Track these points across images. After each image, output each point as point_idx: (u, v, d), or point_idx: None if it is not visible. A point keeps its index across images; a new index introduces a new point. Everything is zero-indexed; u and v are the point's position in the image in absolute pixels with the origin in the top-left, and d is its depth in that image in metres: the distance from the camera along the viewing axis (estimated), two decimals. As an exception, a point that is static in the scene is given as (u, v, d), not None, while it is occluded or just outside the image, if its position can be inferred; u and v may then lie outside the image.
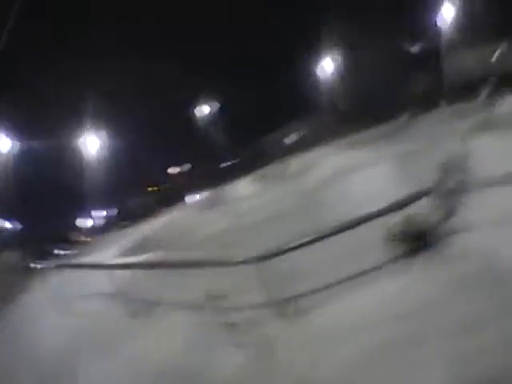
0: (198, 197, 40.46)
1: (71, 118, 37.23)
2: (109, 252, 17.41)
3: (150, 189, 64.70)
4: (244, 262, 8.36)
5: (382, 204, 9.98)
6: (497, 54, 38.57)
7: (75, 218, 52.12)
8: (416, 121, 36.08)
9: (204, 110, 50.13)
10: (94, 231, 48.77)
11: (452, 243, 8.58)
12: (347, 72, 47.05)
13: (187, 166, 62.83)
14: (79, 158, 38.99)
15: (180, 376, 7.50)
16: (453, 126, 27.07)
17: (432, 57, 48.56)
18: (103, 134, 39.38)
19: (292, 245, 9.12)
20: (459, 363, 5.91)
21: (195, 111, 49.86)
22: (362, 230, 9.80)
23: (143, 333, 9.13)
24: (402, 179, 16.18)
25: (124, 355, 8.45)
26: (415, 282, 7.83)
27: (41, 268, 11.95)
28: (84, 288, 11.78)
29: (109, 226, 42.86)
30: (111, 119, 39.31)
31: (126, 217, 47.65)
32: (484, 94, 29.63)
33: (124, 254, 16.34)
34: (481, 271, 7.28)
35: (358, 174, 19.75)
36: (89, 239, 47.29)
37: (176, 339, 8.59)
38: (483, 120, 23.81)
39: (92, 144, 38.69)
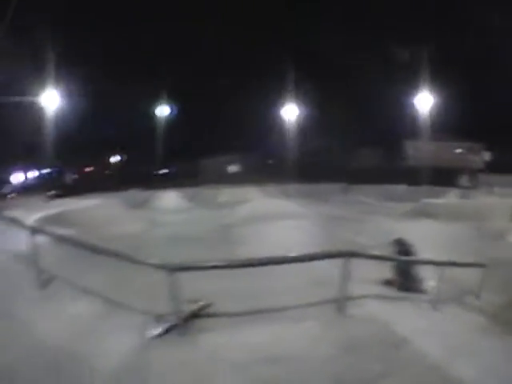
0: (129, 192, 40.03)
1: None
2: (31, 215, 16.85)
3: (87, 169, 64.44)
4: (158, 266, 8.11)
5: (295, 252, 10.21)
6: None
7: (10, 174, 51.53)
8: (352, 190, 37.36)
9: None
10: (23, 191, 47.89)
11: (356, 306, 8.74)
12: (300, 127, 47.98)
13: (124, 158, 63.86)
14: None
15: (62, 358, 7.18)
16: (388, 205, 28.35)
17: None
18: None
19: (206, 264, 8.89)
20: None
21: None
22: (280, 270, 10.25)
23: (42, 304, 8.79)
24: (322, 236, 16.82)
25: (11, 319, 8.10)
26: (310, 331, 7.85)
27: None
28: (3, 242, 11.32)
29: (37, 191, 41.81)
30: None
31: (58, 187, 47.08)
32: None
33: (47, 221, 15.89)
34: (374, 336, 7.57)
35: (282, 221, 20.13)
36: (14, 197, 46.27)
37: (70, 321, 8.31)
38: (419, 206, 25.07)
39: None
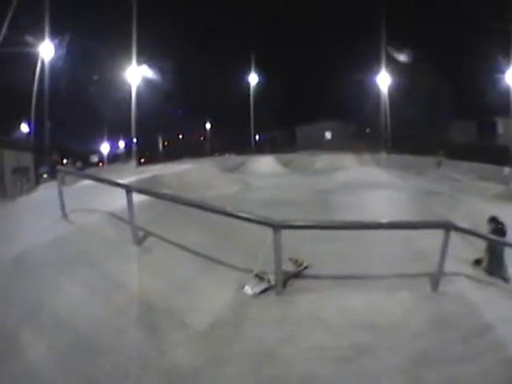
0: (223, 157, 40.61)
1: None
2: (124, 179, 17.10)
3: (179, 136, 66.08)
4: (263, 222, 8.24)
5: (388, 219, 10.34)
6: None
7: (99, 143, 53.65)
8: (445, 165, 36.30)
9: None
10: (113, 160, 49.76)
11: (449, 283, 8.65)
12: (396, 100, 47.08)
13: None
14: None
15: (154, 313, 7.28)
16: (481, 185, 27.34)
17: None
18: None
19: (311, 223, 9.29)
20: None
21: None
22: (375, 239, 10.60)
23: (139, 260, 8.89)
24: (415, 209, 16.62)
25: (107, 274, 8.16)
26: (404, 303, 7.93)
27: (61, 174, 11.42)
28: (96, 203, 11.54)
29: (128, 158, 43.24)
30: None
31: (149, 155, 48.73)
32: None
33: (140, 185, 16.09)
34: (463, 317, 7.47)
35: (376, 190, 20.10)
36: (104, 165, 48.10)
37: (165, 275, 8.40)
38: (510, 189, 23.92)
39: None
